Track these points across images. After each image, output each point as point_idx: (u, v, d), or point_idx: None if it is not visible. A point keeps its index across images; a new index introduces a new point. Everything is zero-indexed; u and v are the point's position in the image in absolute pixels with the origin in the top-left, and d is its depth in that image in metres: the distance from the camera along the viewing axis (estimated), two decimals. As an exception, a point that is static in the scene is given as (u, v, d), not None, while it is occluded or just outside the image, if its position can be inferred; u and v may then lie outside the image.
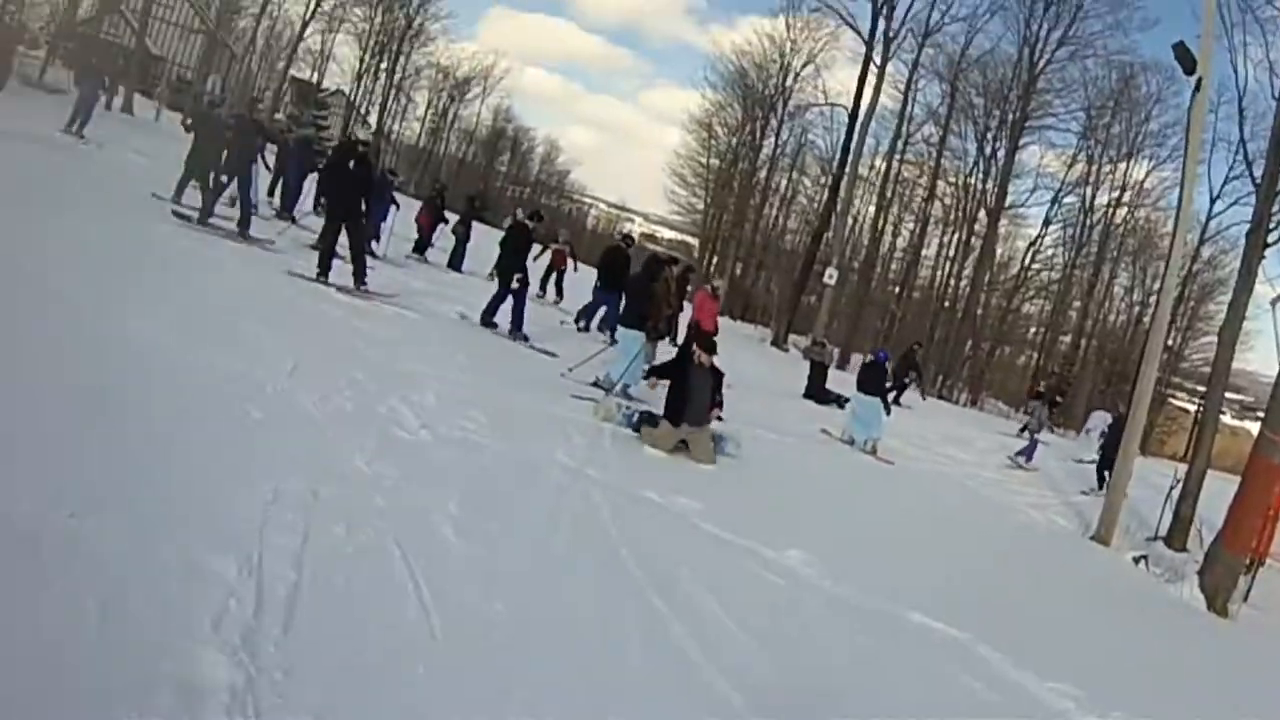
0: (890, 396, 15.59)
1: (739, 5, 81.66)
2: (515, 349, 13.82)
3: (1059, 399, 24.98)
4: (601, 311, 17.93)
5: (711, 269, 45.60)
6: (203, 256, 12.73)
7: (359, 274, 13.61)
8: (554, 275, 22.43)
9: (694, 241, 53.80)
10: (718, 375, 10.91)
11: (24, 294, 8.07)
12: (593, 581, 5.97)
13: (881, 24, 39.23)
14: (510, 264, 14.56)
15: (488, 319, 14.35)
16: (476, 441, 8.21)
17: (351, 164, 13.94)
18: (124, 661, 3.59)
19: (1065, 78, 44.24)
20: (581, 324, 18.22)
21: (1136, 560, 12.99)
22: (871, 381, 15.87)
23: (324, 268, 13.52)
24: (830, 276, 34.28)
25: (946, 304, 47.61)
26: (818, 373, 20.73)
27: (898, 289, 48.78)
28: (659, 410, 10.78)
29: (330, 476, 6.14)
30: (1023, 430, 23.05)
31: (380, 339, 11.09)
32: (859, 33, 40.41)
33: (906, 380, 25.46)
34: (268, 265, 13.79)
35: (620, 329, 13.99)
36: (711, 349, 10.97)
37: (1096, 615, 9.79)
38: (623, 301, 14.72)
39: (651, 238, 52.47)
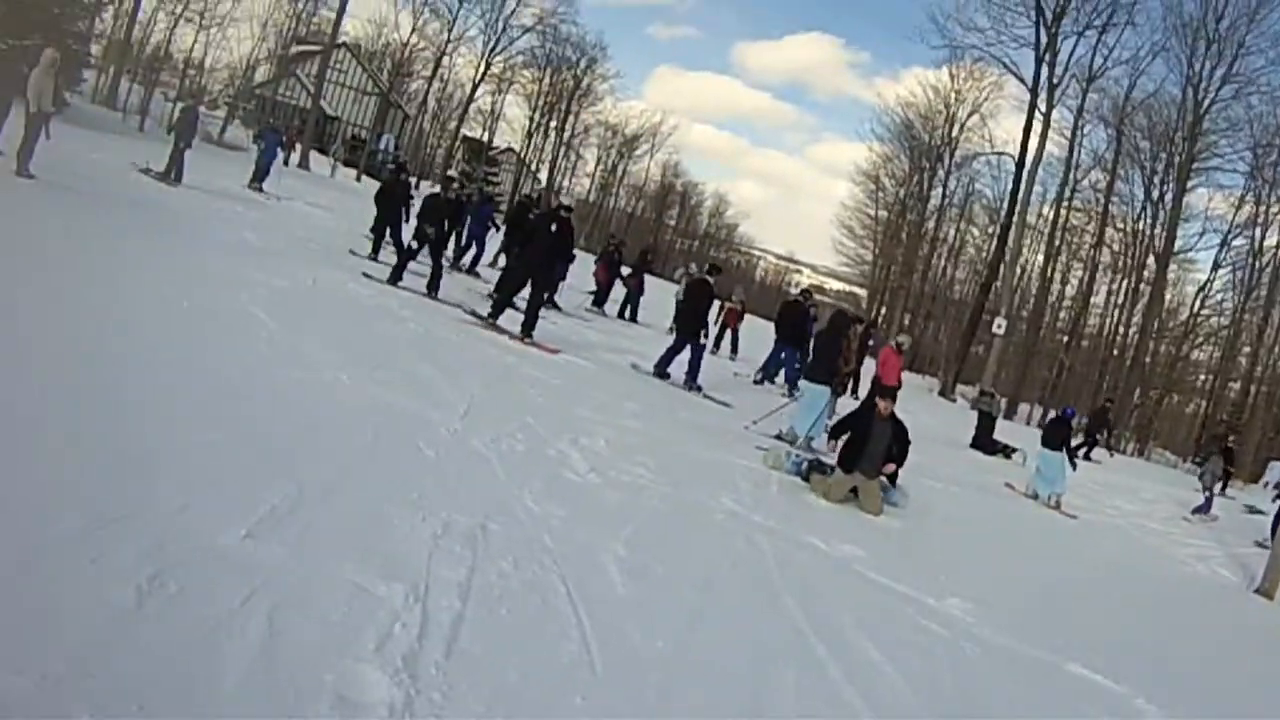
0: (1081, 452, 15.29)
1: (902, 58, 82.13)
2: (686, 399, 13.94)
3: (1230, 448, 24.02)
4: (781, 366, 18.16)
5: (881, 320, 45.32)
6: (387, 308, 13.30)
7: (529, 325, 13.93)
8: (728, 332, 22.47)
9: (862, 292, 53.96)
10: (898, 425, 10.72)
11: (226, 324, 8.97)
12: (754, 625, 5.97)
13: (1045, 71, 39.17)
14: (691, 318, 14.71)
15: (661, 370, 14.51)
16: (645, 485, 8.28)
17: (553, 227, 14.40)
18: (287, 672, 3.72)
19: (1230, 117, 43.12)
20: (759, 377, 18.30)
21: (1297, 615, 12.39)
22: (1056, 437, 15.80)
23: (496, 314, 14.06)
24: (999, 326, 33.98)
25: (1115, 352, 46.53)
26: (985, 423, 20.57)
27: (1066, 338, 47.92)
28: (832, 460, 10.77)
29: (499, 513, 6.27)
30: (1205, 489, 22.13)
31: (553, 386, 11.33)
32: (1023, 80, 40.51)
33: (1097, 436, 24.94)
34: (447, 317, 14.24)
35: (805, 383, 13.93)
36: (892, 399, 10.91)
37: (1255, 672, 9.45)
38: (808, 356, 15.34)
39: (820, 289, 52.45)
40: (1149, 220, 44.95)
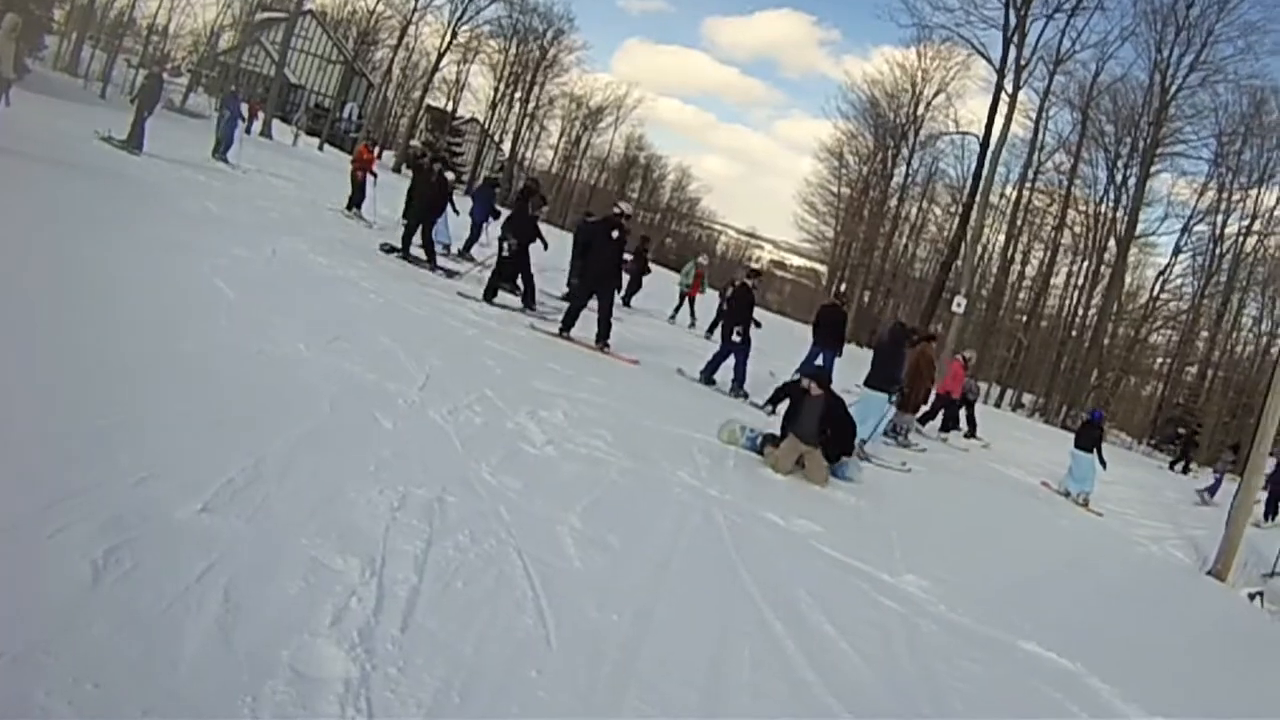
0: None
1: (873, 37, 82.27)
2: (647, 373, 13.92)
3: (1194, 435, 24.44)
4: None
5: (841, 296, 45.56)
6: (348, 279, 13.49)
7: (603, 335, 14.17)
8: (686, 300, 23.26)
9: (823, 269, 53.94)
10: (834, 402, 10.75)
11: (186, 295, 8.92)
12: (710, 598, 6.00)
13: (1013, 52, 39.35)
14: (734, 324, 14.62)
15: (708, 376, 14.47)
16: (602, 459, 8.29)
17: (614, 234, 14.43)
18: (242, 648, 3.74)
19: (1196, 104, 43.96)
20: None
21: (1251, 597, 12.68)
22: (1088, 439, 16.32)
23: (568, 325, 14.23)
24: (959, 305, 34.03)
25: (1073, 333, 47.28)
26: (968, 408, 20.66)
27: (1025, 318, 48.60)
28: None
29: (456, 485, 6.32)
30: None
31: (513, 359, 11.37)
32: (990, 61, 40.72)
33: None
34: (409, 287, 14.48)
35: (864, 390, 14.16)
36: (821, 381, 10.89)
37: (1207, 651, 9.62)
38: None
39: (781, 265, 52.62)
40: (1111, 203, 45.86)
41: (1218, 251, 45.75)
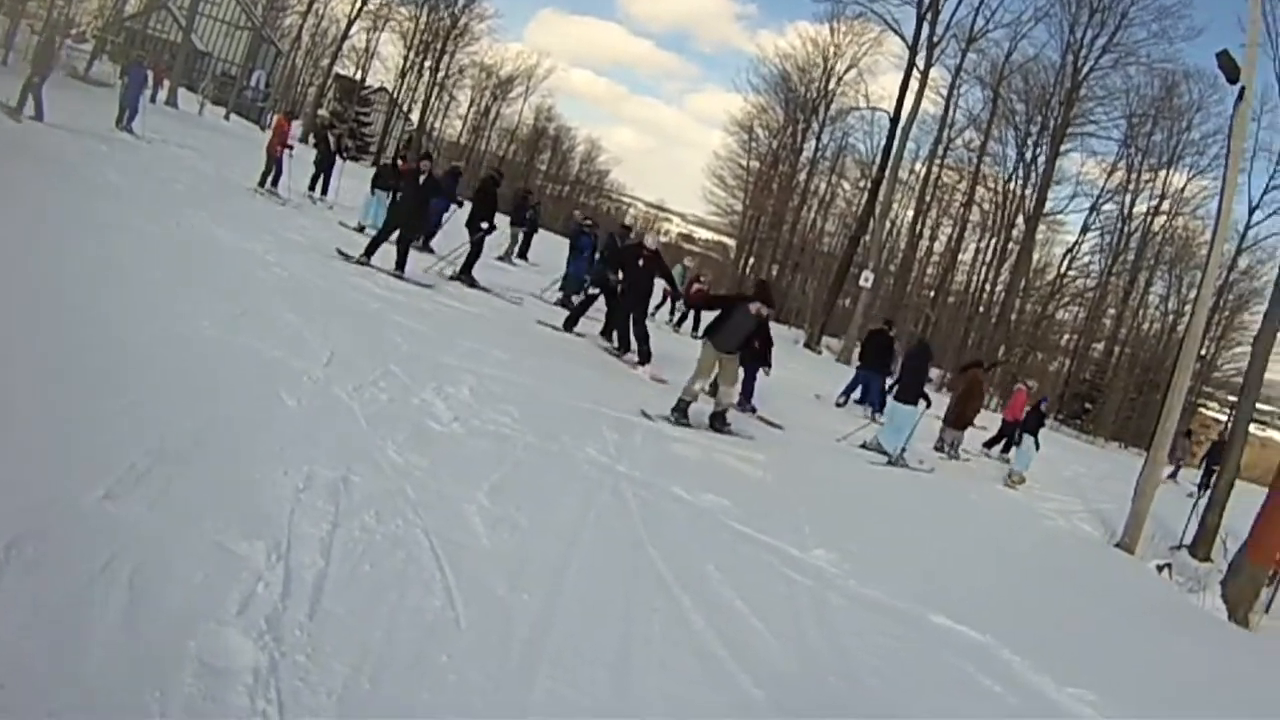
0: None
1: (789, 11, 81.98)
2: (555, 346, 13.94)
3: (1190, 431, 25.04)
4: (859, 389, 19.37)
5: (748, 270, 45.63)
6: (252, 253, 13.12)
7: (644, 355, 14.49)
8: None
9: (731, 242, 53.94)
10: (765, 327, 11.89)
11: (84, 271, 8.60)
12: (618, 574, 6.01)
13: (925, 29, 39.43)
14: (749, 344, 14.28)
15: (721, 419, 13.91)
16: (509, 435, 8.25)
17: (640, 261, 14.88)
18: (149, 639, 3.66)
19: (1108, 85, 44.33)
20: (841, 400, 19.28)
21: (1160, 569, 12.96)
22: (1032, 422, 17.36)
23: (624, 344, 15.00)
24: (866, 279, 34.30)
25: (981, 309, 47.62)
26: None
27: (933, 293, 48.82)
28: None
29: (362, 465, 6.26)
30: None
31: (419, 334, 11.22)
32: (903, 37, 40.72)
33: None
34: (315, 261, 14.16)
35: (894, 403, 15.10)
36: (769, 305, 11.91)
37: (1117, 622, 9.72)
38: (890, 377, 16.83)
39: (689, 238, 52.52)
40: (1020, 181, 46.05)
41: (1125, 230, 46.50)
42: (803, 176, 51.61)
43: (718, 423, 11.91)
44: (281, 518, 5.05)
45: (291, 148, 22.04)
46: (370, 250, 15.08)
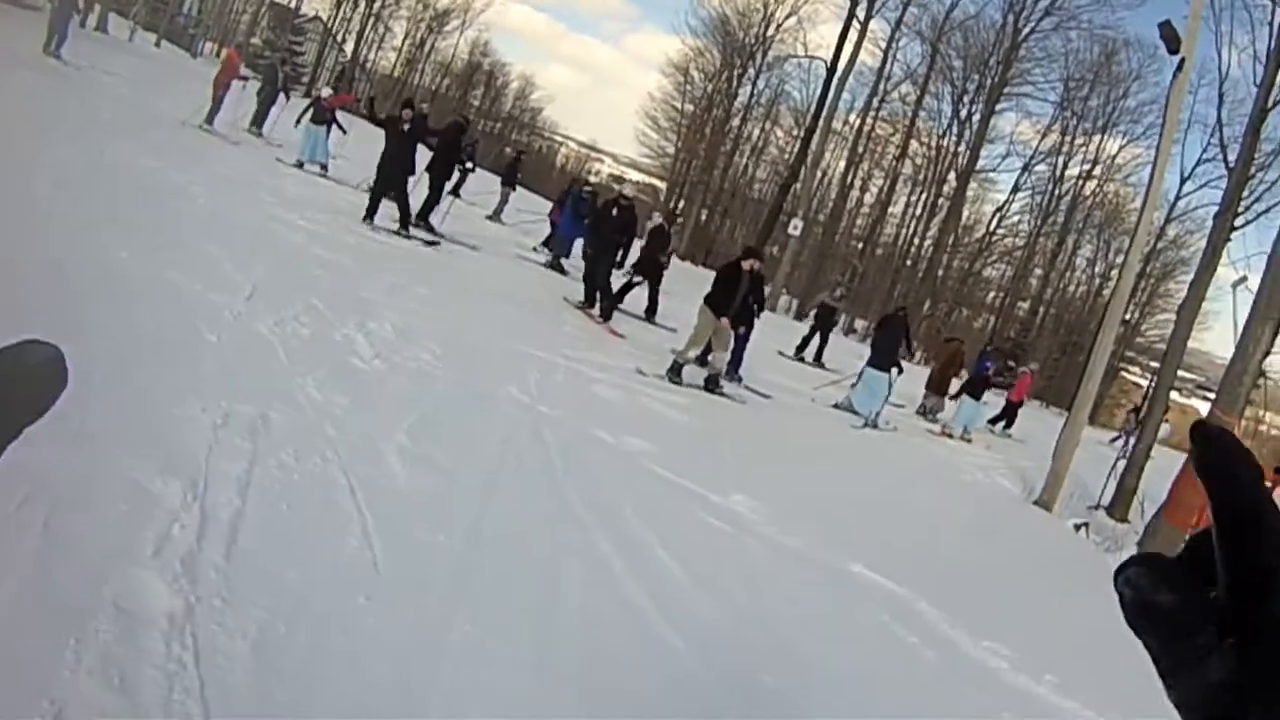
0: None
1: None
2: (477, 281, 13.88)
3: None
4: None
5: (677, 212, 45.47)
6: (178, 184, 12.87)
7: (607, 310, 14.86)
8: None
9: (662, 185, 53.42)
10: (758, 279, 12.64)
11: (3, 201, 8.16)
12: (538, 518, 6.00)
13: (868, -21, 39.10)
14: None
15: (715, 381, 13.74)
16: (430, 372, 8.24)
17: (614, 211, 15.39)
18: (64, 585, 3.59)
19: (1047, 48, 44.50)
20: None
21: (1077, 527, 13.11)
22: (977, 386, 18.25)
23: (592, 300, 15.11)
24: (795, 227, 34.29)
25: (909, 262, 47.89)
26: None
27: (861, 244, 48.94)
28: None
29: (281, 402, 6.18)
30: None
31: (343, 268, 11.12)
32: (844, -15, 40.27)
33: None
34: (242, 195, 14.01)
35: (867, 369, 15.74)
36: (759, 258, 12.93)
37: (1034, 578, 9.86)
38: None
39: (620, 179, 51.94)
40: (954, 138, 46.18)
41: (1056, 192, 46.78)
42: (736, 122, 51.15)
43: (712, 384, 12.31)
44: (199, 455, 4.97)
45: (245, 79, 21.73)
46: (370, 213, 14.98)
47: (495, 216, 23.64)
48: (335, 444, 5.78)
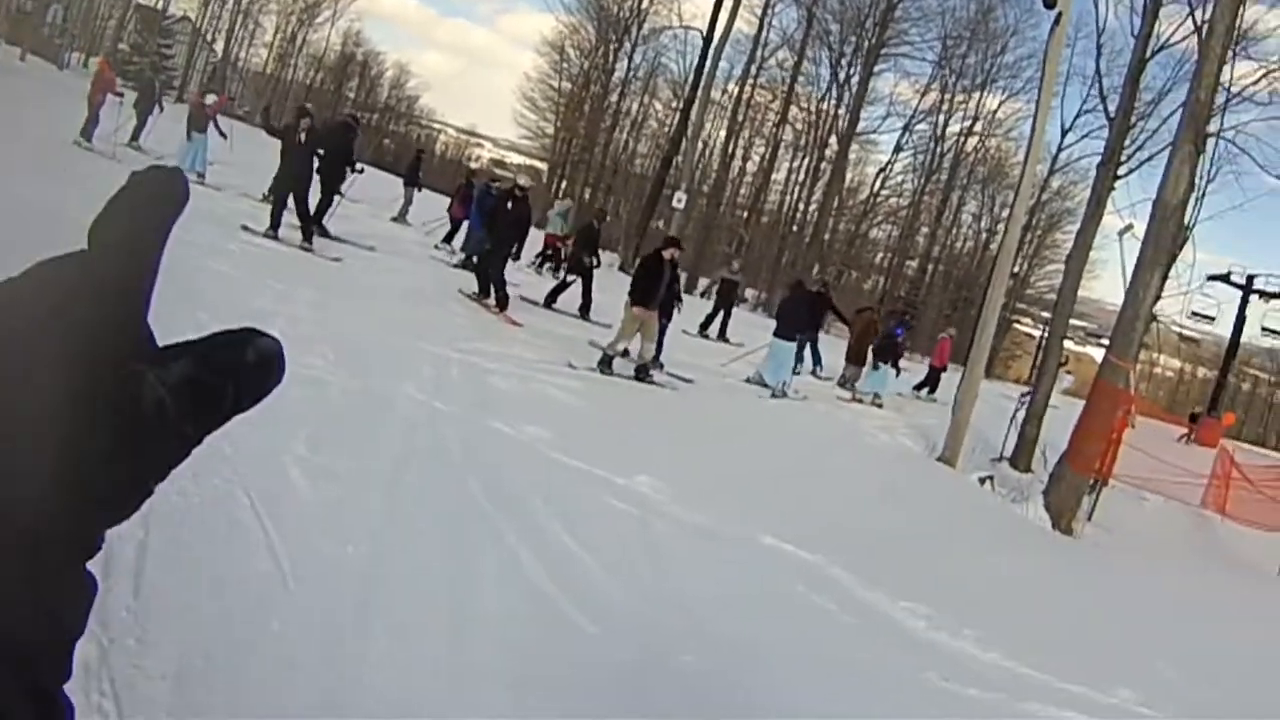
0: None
1: (609, -71, 79.94)
2: (361, 283, 13.77)
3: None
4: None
5: (560, 193, 45.34)
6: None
7: (501, 300, 14.58)
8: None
9: (543, 166, 53.12)
10: (675, 270, 13.25)
11: None
12: (445, 518, 5.99)
13: (740, -56, 39.09)
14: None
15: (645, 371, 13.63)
16: (324, 378, 8.07)
17: (510, 205, 15.08)
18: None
19: (923, 7, 44.92)
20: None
21: (982, 481, 13.38)
22: (889, 353, 18.92)
23: (486, 291, 14.79)
24: (679, 200, 34.35)
25: (795, 228, 48.33)
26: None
27: (746, 214, 49.15)
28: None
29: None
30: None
31: (230, 277, 10.89)
32: (717, -47, 40.24)
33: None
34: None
35: (774, 339, 15.75)
36: (679, 248, 13.39)
37: (943, 535, 10.04)
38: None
39: (500, 163, 51.49)
40: (834, 101, 46.45)
41: (939, 150, 47.46)
42: (615, 98, 51.02)
43: (642, 374, 12.55)
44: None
45: (122, 95, 21.13)
46: (274, 225, 14.67)
47: (400, 218, 23.86)
48: (233, 462, 5.64)
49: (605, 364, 12.30)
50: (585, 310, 16.57)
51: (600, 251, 18.41)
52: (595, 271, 17.21)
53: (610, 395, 11.24)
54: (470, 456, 7.23)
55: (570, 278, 17.04)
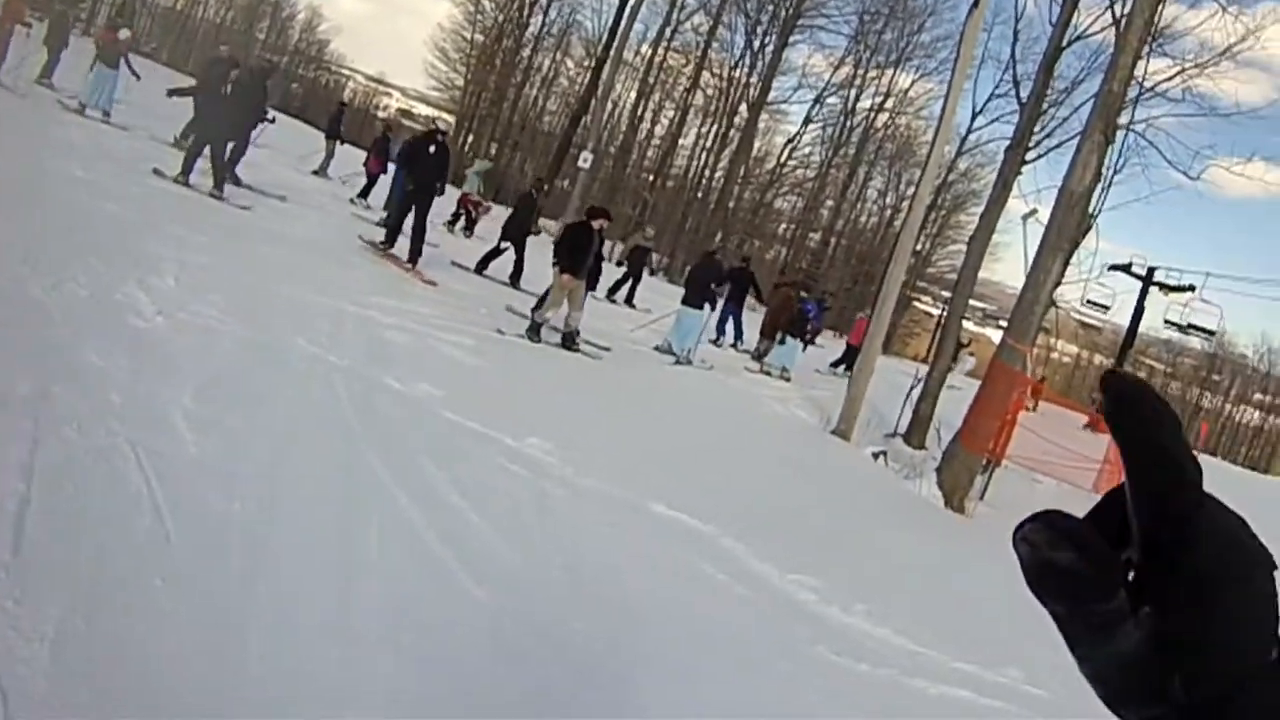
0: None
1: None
2: (259, 230, 13.39)
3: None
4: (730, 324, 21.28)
5: (467, 147, 44.94)
6: None
7: (416, 252, 14.37)
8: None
9: (450, 118, 52.48)
10: (601, 242, 13.52)
11: None
12: (334, 474, 5.93)
13: (659, -95, 38.95)
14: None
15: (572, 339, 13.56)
16: (216, 328, 7.92)
17: (431, 149, 14.78)
18: None
19: (842, -20, 44.93)
20: (715, 338, 20.40)
21: (876, 455, 13.53)
22: (798, 329, 19.40)
23: (393, 241, 14.79)
24: (585, 160, 34.24)
25: (700, 194, 48.69)
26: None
27: (652, 177, 49.39)
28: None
29: (62, 372, 5.85)
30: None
31: (126, 221, 10.57)
32: (636, -87, 40.01)
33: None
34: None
35: (681, 308, 16.45)
36: (607, 219, 13.75)
37: (836, 508, 10.12)
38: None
39: (408, 113, 50.82)
40: (746, 69, 46.95)
41: (848, 125, 48.15)
42: (527, 52, 50.71)
43: (569, 342, 12.78)
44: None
45: (30, 26, 20.62)
46: (186, 171, 14.25)
47: (321, 172, 23.53)
48: (120, 413, 5.55)
49: (533, 331, 12.48)
50: (516, 278, 16.56)
51: (536, 219, 18.51)
52: (529, 240, 17.24)
53: (507, 354, 11.20)
54: (362, 414, 7.16)
55: (503, 244, 16.98)
